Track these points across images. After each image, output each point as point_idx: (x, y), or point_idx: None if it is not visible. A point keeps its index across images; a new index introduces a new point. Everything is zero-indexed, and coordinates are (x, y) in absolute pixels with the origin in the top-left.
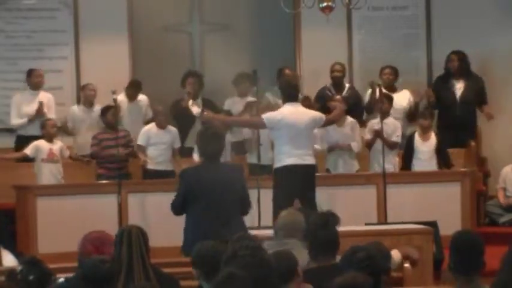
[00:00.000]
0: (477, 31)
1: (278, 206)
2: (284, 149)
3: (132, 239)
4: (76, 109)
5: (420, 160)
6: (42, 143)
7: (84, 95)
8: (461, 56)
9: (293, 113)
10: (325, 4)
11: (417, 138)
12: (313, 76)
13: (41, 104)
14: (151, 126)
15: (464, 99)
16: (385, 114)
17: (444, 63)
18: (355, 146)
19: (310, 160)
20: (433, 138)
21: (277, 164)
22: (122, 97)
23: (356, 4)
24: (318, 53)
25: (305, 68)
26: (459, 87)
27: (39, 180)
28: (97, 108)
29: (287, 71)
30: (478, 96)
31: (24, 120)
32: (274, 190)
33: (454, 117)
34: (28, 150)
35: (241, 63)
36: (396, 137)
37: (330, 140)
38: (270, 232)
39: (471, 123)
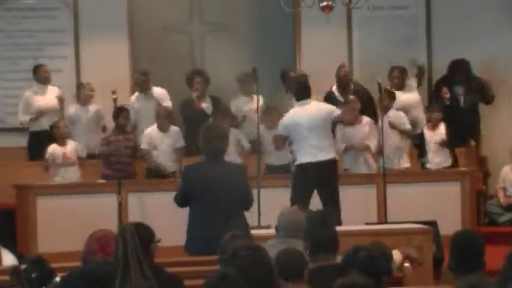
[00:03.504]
0: (477, 31)
1: (295, 203)
2: (302, 147)
3: (127, 237)
4: (73, 108)
5: (431, 152)
6: (55, 148)
7: (83, 96)
8: (468, 66)
9: (300, 112)
10: (325, 3)
11: (426, 131)
12: (314, 75)
13: (59, 98)
14: (153, 128)
15: (465, 104)
16: (386, 110)
17: (449, 69)
18: (373, 146)
19: (324, 156)
20: (441, 128)
21: (297, 161)
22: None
23: (356, 3)
24: (318, 53)
25: (305, 68)
26: (459, 91)
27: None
28: (92, 107)
29: (291, 73)
30: (480, 95)
31: (27, 117)
32: (293, 187)
33: (455, 122)
34: (48, 160)
35: (241, 63)
36: (406, 126)
37: (347, 140)
38: (270, 232)
39: (473, 126)
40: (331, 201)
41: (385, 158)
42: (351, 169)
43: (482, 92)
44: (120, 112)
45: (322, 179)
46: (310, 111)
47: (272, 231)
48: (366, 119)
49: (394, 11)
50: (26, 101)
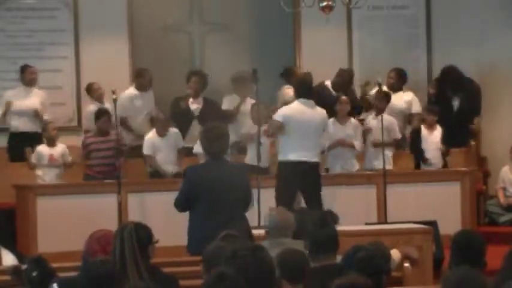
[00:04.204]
0: (477, 31)
1: (280, 199)
2: (291, 143)
3: (124, 236)
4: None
5: (428, 151)
6: (43, 149)
7: (95, 96)
8: (458, 72)
9: (304, 111)
10: (325, 3)
11: (423, 130)
12: (314, 75)
13: (8, 103)
14: (153, 134)
15: (459, 111)
16: (380, 112)
17: (440, 75)
18: (359, 145)
19: (314, 158)
20: (438, 130)
21: (282, 157)
22: (131, 90)
23: (356, 3)
24: (318, 53)
25: (305, 68)
26: (454, 98)
27: None
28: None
29: (296, 69)
30: (473, 105)
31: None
32: (277, 183)
33: (448, 127)
34: (33, 159)
35: (241, 63)
36: (396, 134)
37: (332, 138)
38: None
39: (465, 130)
40: (317, 204)
41: (367, 160)
42: (330, 169)
43: (474, 99)
44: (102, 115)
45: (311, 180)
46: (314, 113)
47: None
48: (352, 121)
49: (394, 11)
50: (5, 101)
